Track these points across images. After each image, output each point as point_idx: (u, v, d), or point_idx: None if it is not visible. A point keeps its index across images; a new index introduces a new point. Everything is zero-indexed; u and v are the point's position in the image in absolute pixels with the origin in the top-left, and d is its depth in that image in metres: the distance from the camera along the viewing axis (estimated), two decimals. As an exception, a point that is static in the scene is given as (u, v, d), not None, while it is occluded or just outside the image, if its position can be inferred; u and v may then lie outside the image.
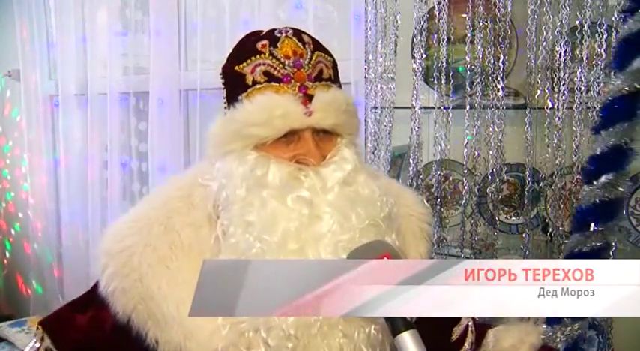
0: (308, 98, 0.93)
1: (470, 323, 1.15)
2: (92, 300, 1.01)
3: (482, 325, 1.16)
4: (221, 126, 1.00)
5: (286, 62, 0.94)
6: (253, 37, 0.99)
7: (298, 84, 0.94)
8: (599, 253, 1.31)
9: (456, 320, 1.16)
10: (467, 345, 1.13)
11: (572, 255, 1.33)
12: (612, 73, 1.32)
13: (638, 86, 1.25)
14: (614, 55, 1.32)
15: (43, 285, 3.16)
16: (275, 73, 0.94)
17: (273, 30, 0.99)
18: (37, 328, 1.05)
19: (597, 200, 1.29)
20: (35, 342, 1.04)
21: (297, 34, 0.99)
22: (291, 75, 0.94)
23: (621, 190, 1.28)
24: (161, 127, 2.55)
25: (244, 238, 0.91)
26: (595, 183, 1.30)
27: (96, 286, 1.01)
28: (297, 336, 0.88)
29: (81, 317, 1.04)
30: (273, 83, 0.94)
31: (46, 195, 3.09)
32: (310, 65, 0.96)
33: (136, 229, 0.99)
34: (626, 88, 1.25)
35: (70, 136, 2.93)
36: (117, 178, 2.76)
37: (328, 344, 0.89)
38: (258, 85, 0.94)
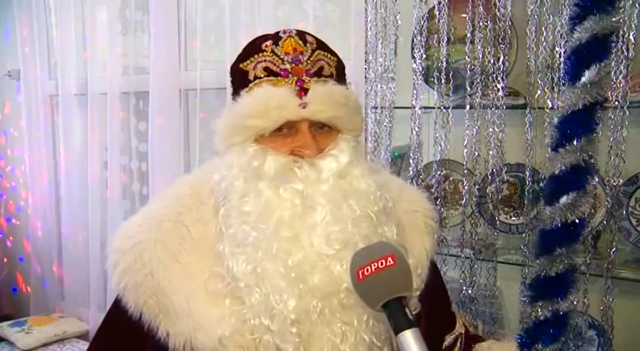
0: (304, 91, 0.96)
1: (462, 333, 1.18)
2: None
3: (472, 338, 1.19)
4: (224, 120, 1.03)
5: (285, 58, 0.98)
6: (260, 39, 1.03)
7: (295, 78, 0.97)
8: (565, 277, 1.24)
9: (450, 328, 1.18)
10: None
11: (538, 280, 1.26)
12: (565, 86, 1.25)
13: (591, 100, 1.18)
14: (566, 67, 1.25)
15: (43, 285, 3.16)
16: (274, 68, 0.98)
17: (279, 31, 1.02)
18: None
19: (560, 222, 1.22)
20: None
21: (301, 34, 1.01)
22: (289, 70, 0.97)
23: (583, 210, 1.21)
24: (161, 127, 2.55)
25: (241, 228, 0.94)
26: (557, 204, 1.23)
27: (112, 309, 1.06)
28: (299, 321, 0.90)
29: None
30: (271, 78, 0.97)
31: (46, 195, 3.09)
32: (310, 62, 0.98)
33: (146, 226, 1.01)
34: (582, 103, 1.19)
35: (70, 136, 2.94)
36: (117, 178, 2.76)
37: (331, 331, 0.92)
38: (257, 80, 0.98)
